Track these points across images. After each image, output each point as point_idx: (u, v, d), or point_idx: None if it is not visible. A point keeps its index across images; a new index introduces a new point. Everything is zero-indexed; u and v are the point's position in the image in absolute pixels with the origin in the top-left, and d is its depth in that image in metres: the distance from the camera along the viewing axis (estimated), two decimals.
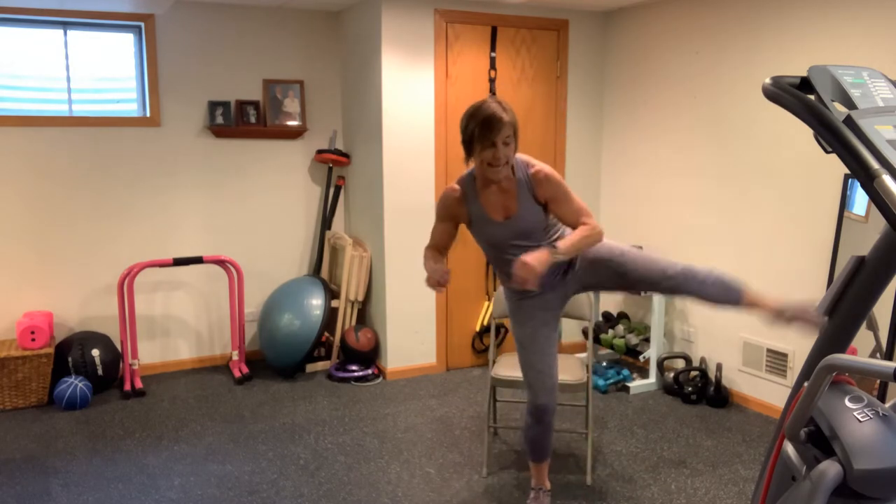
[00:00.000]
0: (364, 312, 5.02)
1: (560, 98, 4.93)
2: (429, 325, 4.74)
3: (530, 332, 2.79)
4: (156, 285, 4.75)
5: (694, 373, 4.32)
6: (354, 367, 4.65)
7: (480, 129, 2.48)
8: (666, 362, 4.52)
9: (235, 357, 4.73)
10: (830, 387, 1.62)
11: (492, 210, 2.66)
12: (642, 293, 2.69)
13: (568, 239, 2.54)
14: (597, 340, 4.80)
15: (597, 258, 2.75)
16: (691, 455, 3.54)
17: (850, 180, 3.56)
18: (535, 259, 2.43)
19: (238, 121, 4.79)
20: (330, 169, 5.01)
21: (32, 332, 4.13)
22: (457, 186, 2.69)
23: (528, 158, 2.68)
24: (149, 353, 4.77)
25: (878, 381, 3.35)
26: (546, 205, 2.66)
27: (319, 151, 4.95)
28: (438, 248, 2.77)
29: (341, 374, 4.61)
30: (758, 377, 4.11)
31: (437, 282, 2.52)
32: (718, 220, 4.27)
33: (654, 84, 4.64)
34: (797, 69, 3.77)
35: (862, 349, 3.44)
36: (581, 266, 2.77)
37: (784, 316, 2.61)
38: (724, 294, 2.69)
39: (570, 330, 5.22)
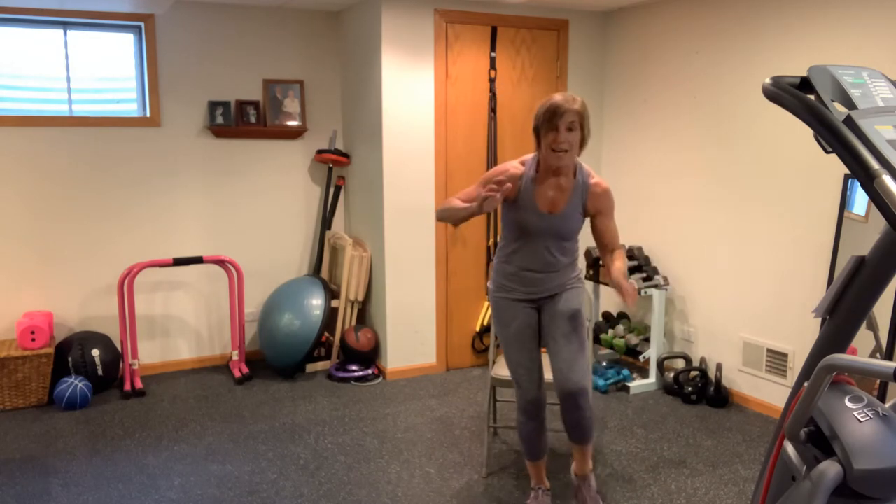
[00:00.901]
0: (364, 312, 5.02)
1: None
2: (429, 325, 4.74)
3: (514, 331, 2.85)
4: (156, 285, 4.75)
5: (694, 373, 4.31)
6: (354, 367, 4.65)
7: (545, 114, 2.64)
8: (666, 362, 4.52)
9: (235, 357, 4.73)
10: (830, 387, 1.62)
11: (541, 200, 2.74)
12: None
13: (619, 266, 2.72)
14: (597, 340, 4.80)
15: (566, 317, 2.82)
16: (691, 455, 3.54)
17: (850, 180, 3.56)
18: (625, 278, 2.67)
19: (238, 121, 4.79)
20: (330, 169, 5.01)
21: (32, 332, 4.13)
22: (520, 165, 2.78)
23: (592, 170, 2.83)
24: (149, 353, 4.77)
25: (878, 381, 3.35)
26: (592, 216, 2.82)
27: (319, 151, 4.95)
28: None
29: (341, 374, 4.61)
30: (758, 377, 4.11)
31: (493, 191, 2.53)
32: (718, 220, 4.27)
33: (654, 84, 4.64)
34: (797, 69, 3.77)
35: (862, 349, 3.44)
36: (559, 302, 2.84)
37: (576, 480, 2.97)
38: (578, 436, 2.84)
39: None
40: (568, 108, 2.59)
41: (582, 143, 2.67)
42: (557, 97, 2.64)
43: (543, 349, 2.97)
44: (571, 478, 3.05)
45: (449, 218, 2.73)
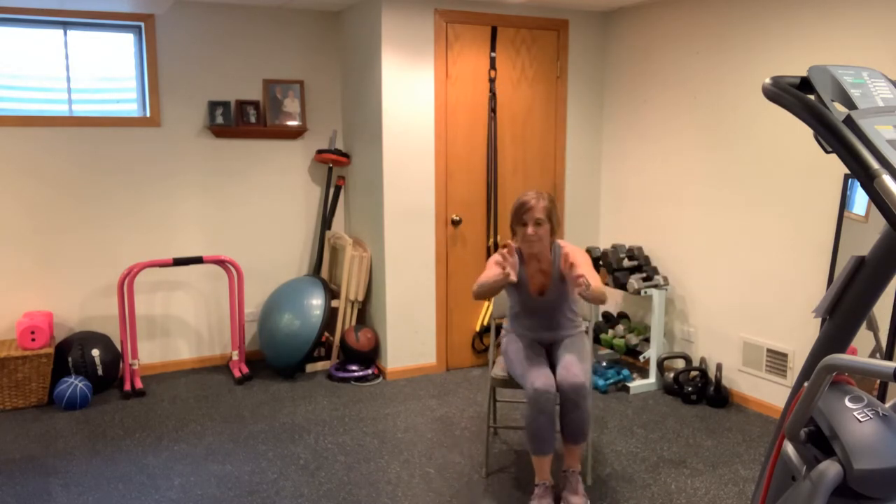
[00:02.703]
0: (364, 312, 5.02)
1: (560, 98, 4.93)
2: (429, 325, 4.74)
3: (525, 345, 3.19)
4: (156, 285, 4.75)
5: (694, 373, 4.31)
6: (354, 367, 4.65)
7: (515, 213, 3.05)
8: (666, 362, 4.52)
9: (235, 357, 4.73)
10: (830, 387, 1.62)
11: (531, 285, 3.16)
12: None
13: (595, 285, 2.91)
14: (597, 340, 4.80)
15: (570, 341, 3.19)
16: (691, 455, 3.54)
17: (850, 180, 3.56)
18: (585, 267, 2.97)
19: (238, 121, 4.79)
20: (330, 169, 5.01)
21: (32, 332, 4.13)
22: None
23: (565, 243, 3.19)
24: (149, 353, 4.77)
25: (878, 381, 3.35)
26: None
27: (319, 151, 4.95)
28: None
29: (341, 374, 4.61)
30: (758, 377, 4.11)
31: (508, 264, 2.89)
32: (718, 220, 4.27)
33: (655, 84, 4.64)
34: (797, 69, 3.77)
35: (862, 349, 3.44)
36: (565, 339, 3.22)
37: (564, 473, 3.05)
38: (574, 433, 2.98)
39: None
40: (534, 206, 2.99)
41: (552, 232, 3.06)
42: (527, 196, 3.02)
43: None
44: (560, 472, 3.20)
45: (485, 292, 2.99)
